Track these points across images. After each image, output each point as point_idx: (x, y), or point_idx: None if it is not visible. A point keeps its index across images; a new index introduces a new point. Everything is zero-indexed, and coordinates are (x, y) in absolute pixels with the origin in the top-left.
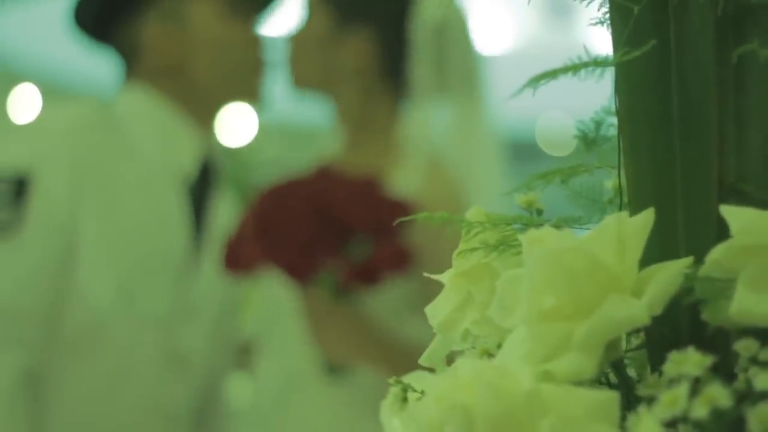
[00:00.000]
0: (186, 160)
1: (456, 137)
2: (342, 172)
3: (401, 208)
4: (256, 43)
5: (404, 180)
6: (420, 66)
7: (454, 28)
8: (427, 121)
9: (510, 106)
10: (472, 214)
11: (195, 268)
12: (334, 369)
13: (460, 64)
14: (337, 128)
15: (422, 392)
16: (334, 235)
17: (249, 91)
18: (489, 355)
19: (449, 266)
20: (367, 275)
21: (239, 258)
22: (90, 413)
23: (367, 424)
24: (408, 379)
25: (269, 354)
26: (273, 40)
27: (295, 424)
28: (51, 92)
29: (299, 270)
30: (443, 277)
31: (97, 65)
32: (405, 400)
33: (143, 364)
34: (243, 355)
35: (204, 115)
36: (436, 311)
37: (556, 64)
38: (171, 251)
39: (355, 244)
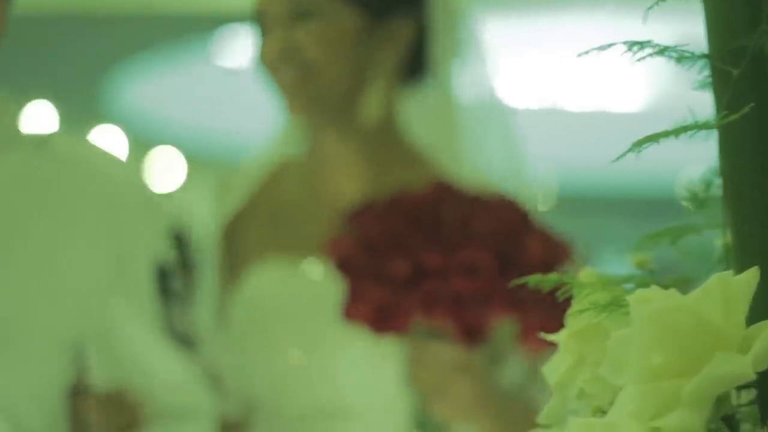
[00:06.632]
0: None
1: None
2: (485, 194)
3: (559, 238)
4: None
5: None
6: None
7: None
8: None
9: (648, 161)
10: (584, 276)
11: None
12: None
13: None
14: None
15: None
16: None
17: None
18: (602, 412)
19: None
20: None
21: (388, 313)
22: None
23: None
24: None
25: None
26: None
27: None
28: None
29: (478, 327)
30: (557, 338)
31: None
32: None
33: None
34: None
35: None
36: (552, 371)
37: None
38: None
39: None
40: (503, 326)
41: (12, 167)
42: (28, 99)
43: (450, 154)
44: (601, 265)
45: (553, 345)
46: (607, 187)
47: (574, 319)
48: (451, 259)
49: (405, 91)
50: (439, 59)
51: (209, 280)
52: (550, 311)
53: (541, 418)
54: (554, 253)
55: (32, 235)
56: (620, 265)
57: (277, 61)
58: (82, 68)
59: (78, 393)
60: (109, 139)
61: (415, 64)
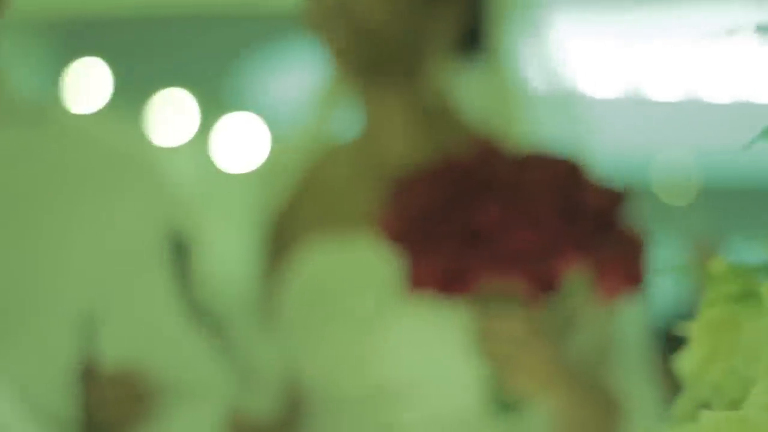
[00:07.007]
0: None
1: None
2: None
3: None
4: None
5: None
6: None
7: None
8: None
9: None
10: (715, 265)
11: None
12: (509, 406)
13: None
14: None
15: None
16: (583, 229)
17: None
18: (736, 405)
19: None
20: (638, 275)
21: (455, 277)
22: None
23: None
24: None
25: (407, 398)
26: None
27: None
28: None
29: (549, 279)
30: (689, 329)
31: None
32: None
33: None
34: None
35: None
36: (684, 363)
37: None
38: None
39: (601, 238)
40: (574, 285)
41: (10, 144)
42: (167, 86)
43: (505, 133)
44: (733, 255)
45: (628, 290)
46: (743, 176)
47: (707, 310)
48: (511, 214)
49: (461, 64)
50: (498, 35)
51: (255, 267)
52: (624, 252)
53: (674, 411)
54: (611, 201)
55: (38, 211)
56: (753, 254)
57: (329, 18)
58: (221, 59)
59: (87, 375)
60: (246, 127)
61: (472, 36)
